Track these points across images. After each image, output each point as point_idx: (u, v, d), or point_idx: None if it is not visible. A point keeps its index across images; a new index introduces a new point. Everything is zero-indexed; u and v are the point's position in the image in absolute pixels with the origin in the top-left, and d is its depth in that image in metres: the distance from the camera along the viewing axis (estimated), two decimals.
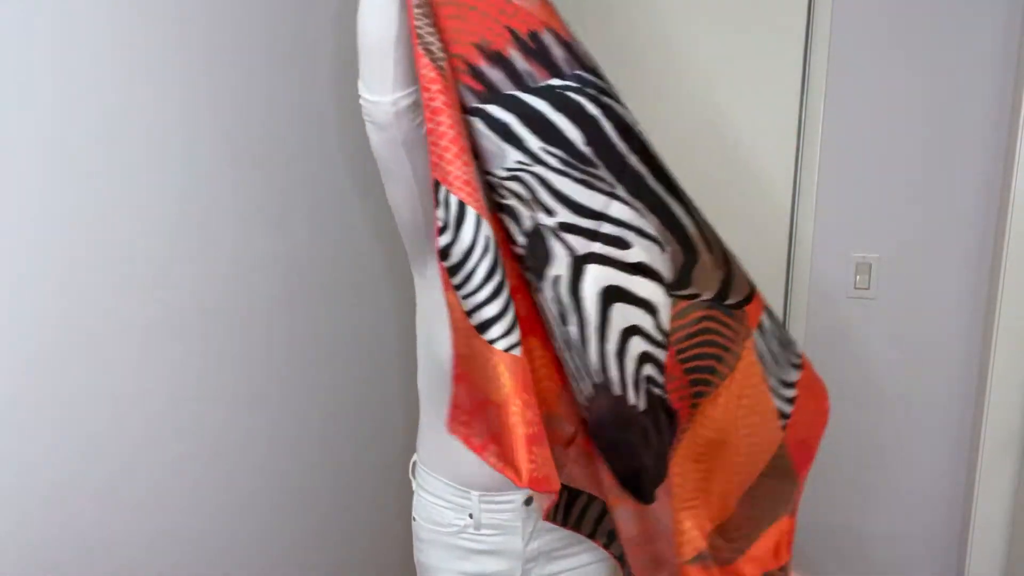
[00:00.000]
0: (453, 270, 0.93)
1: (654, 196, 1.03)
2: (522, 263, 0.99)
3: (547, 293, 0.98)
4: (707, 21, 1.86)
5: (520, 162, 0.94)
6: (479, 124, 0.93)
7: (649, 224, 1.02)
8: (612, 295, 1.00)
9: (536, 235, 0.97)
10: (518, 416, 0.92)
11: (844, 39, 1.78)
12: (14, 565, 0.91)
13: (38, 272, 0.91)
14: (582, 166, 0.96)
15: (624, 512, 1.09)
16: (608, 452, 1.05)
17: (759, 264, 1.91)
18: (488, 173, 0.96)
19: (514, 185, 0.96)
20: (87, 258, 0.97)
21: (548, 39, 0.94)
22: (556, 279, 0.98)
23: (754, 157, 1.87)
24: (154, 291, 1.07)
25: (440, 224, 0.92)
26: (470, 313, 0.94)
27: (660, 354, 1.05)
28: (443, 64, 0.91)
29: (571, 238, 0.97)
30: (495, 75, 0.93)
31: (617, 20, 1.91)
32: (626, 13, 1.91)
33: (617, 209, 0.98)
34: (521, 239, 0.97)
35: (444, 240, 0.93)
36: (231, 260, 1.21)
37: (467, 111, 0.93)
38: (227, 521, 1.25)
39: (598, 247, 0.98)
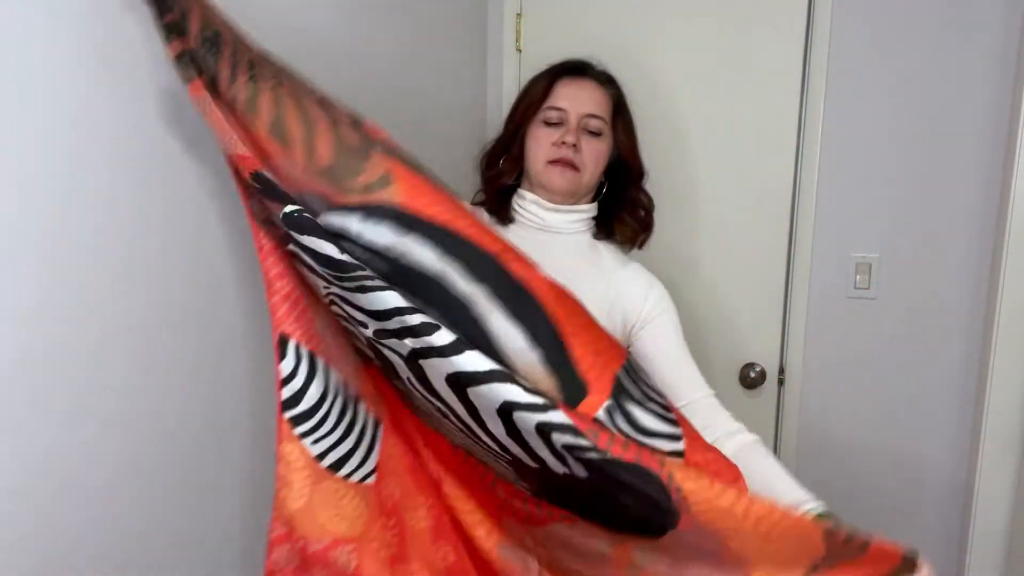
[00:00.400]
0: (302, 417, 0.96)
1: (421, 274, 0.92)
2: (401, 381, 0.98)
3: (420, 396, 0.95)
4: (707, 21, 1.86)
5: (324, 287, 0.95)
6: (293, 248, 0.95)
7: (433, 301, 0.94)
8: (459, 382, 0.90)
9: (373, 348, 0.97)
10: (378, 541, 0.96)
11: (844, 39, 1.78)
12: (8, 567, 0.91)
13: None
14: (352, 273, 0.90)
15: (643, 552, 0.97)
16: (593, 506, 0.95)
17: (759, 264, 1.92)
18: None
19: (335, 309, 0.97)
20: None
21: (266, 175, 0.91)
22: (409, 380, 0.95)
23: (754, 157, 1.87)
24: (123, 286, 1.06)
25: (283, 375, 0.96)
26: (323, 455, 0.98)
27: (556, 416, 0.87)
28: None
29: (390, 342, 0.92)
30: (260, 206, 0.95)
31: (617, 20, 1.91)
32: (626, 13, 1.91)
33: (398, 299, 0.90)
34: (370, 354, 0.97)
35: (292, 389, 0.96)
36: (204, 257, 1.21)
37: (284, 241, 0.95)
38: (217, 519, 1.25)
39: (411, 342, 0.90)
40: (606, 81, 1.36)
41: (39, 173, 0.90)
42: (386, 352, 0.94)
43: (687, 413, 1.13)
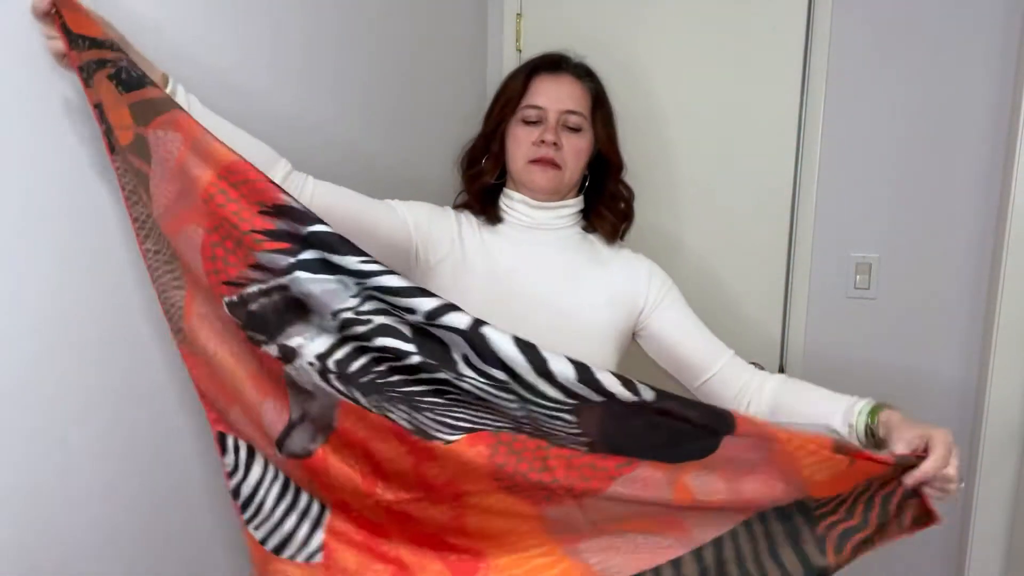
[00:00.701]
0: (245, 505, 1.05)
1: None
2: (437, 384, 0.95)
3: (470, 382, 0.93)
4: (708, 21, 1.87)
5: (358, 283, 0.93)
6: (302, 274, 0.93)
7: None
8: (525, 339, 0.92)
9: (420, 335, 0.94)
10: None
11: (844, 39, 1.78)
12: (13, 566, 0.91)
13: None
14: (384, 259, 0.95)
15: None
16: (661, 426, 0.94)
17: (759, 264, 1.92)
18: (338, 315, 0.94)
19: (371, 304, 0.94)
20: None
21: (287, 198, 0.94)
22: (466, 358, 0.92)
23: (754, 157, 1.87)
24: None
25: (228, 468, 1.05)
26: (265, 540, 1.05)
27: None
28: (181, 337, 1.01)
29: (446, 318, 0.91)
30: (284, 224, 0.92)
31: (617, 20, 1.91)
32: (626, 13, 1.91)
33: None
34: (410, 347, 0.93)
35: (234, 481, 1.06)
36: None
37: (285, 271, 0.93)
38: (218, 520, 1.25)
39: (466, 315, 0.92)
40: (584, 75, 1.32)
41: (41, 180, 0.90)
42: (440, 334, 0.92)
43: (716, 385, 1.26)
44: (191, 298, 1.00)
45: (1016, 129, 1.65)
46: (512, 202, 1.31)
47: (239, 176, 0.92)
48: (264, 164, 1.03)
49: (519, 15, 1.99)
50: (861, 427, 1.12)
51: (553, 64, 1.31)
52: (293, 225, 0.92)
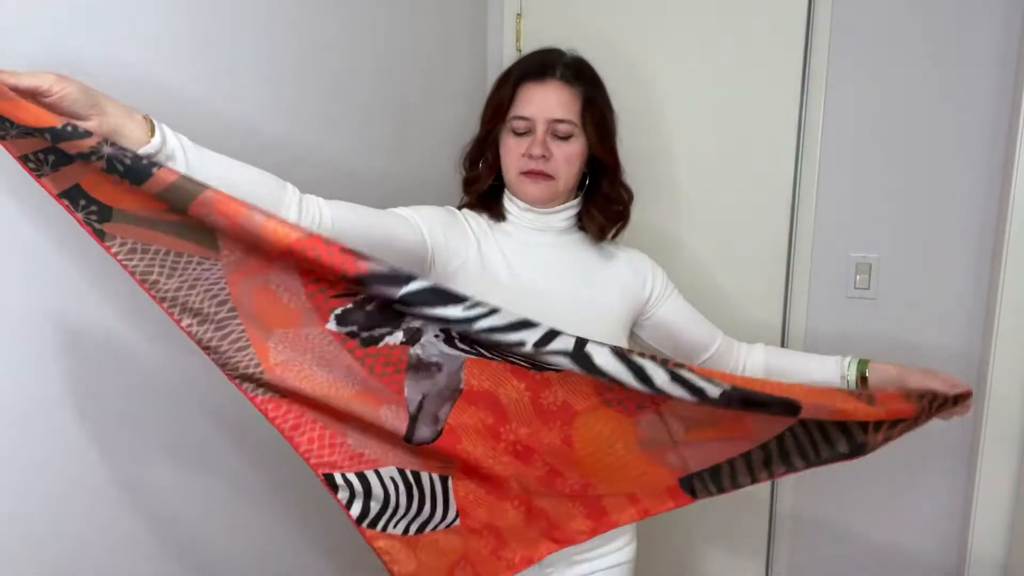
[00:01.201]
0: (377, 517, 1.11)
1: None
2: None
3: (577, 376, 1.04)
4: (708, 21, 1.87)
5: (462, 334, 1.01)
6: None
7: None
8: (620, 350, 1.01)
9: (535, 364, 1.05)
10: (478, 545, 1.20)
11: (844, 39, 1.78)
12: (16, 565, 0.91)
13: None
14: (478, 309, 0.97)
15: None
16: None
17: (759, 264, 1.92)
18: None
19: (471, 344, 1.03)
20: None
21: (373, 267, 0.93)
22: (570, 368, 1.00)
23: (754, 157, 1.87)
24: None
25: (344, 500, 1.08)
26: (407, 529, 1.14)
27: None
28: (264, 390, 0.99)
29: (553, 344, 0.99)
30: (374, 292, 0.94)
31: (617, 20, 1.92)
32: (626, 13, 1.91)
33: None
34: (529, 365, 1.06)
35: (357, 508, 1.09)
36: None
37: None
38: (221, 521, 1.25)
39: (562, 341, 0.99)
40: (573, 79, 1.29)
41: None
42: (552, 360, 0.97)
43: (716, 362, 1.40)
44: (263, 350, 0.97)
45: (1016, 129, 1.65)
46: (517, 209, 1.31)
47: (301, 256, 0.89)
48: (270, 193, 0.99)
49: (519, 15, 1.99)
50: (853, 376, 1.29)
51: (540, 71, 1.28)
52: (384, 290, 0.92)
